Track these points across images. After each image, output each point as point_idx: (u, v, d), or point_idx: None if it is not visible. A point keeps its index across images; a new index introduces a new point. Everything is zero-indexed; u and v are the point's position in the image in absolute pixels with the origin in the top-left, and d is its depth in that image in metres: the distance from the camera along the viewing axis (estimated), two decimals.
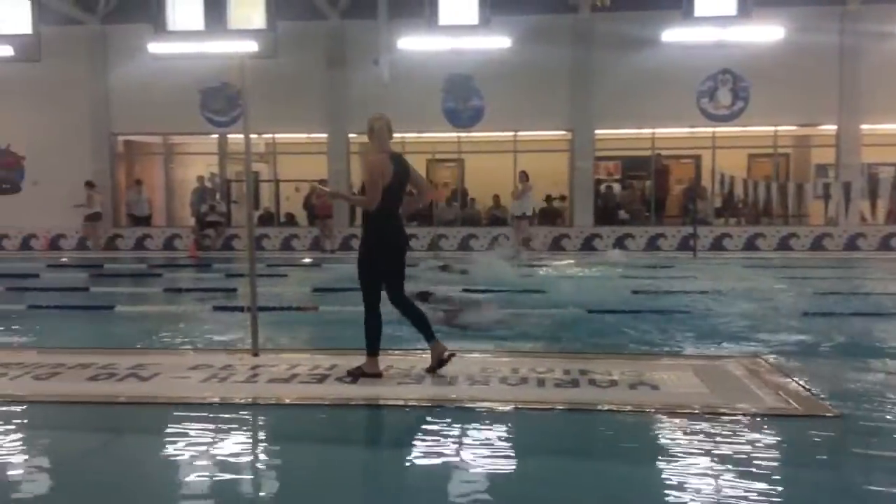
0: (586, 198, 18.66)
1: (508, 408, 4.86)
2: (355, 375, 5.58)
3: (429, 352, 5.69)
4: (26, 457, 4.18)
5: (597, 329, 7.83)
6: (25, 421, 4.76)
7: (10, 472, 3.92)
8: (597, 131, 18.49)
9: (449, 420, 4.64)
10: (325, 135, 18.94)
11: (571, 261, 15.54)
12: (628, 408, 4.87)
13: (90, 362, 6.08)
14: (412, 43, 17.94)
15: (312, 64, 18.51)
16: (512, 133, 18.77)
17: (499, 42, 17.89)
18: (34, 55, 19.06)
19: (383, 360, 5.89)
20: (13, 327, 8.12)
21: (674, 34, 17.58)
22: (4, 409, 4.91)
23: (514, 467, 3.99)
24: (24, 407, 4.99)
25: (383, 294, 5.67)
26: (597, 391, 5.26)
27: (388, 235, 5.58)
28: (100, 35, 18.97)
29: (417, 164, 19.14)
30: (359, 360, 5.68)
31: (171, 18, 19.14)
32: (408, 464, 4.00)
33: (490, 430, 4.49)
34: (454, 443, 4.29)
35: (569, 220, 19.11)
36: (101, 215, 18.63)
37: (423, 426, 4.58)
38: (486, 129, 18.65)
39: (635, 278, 12.27)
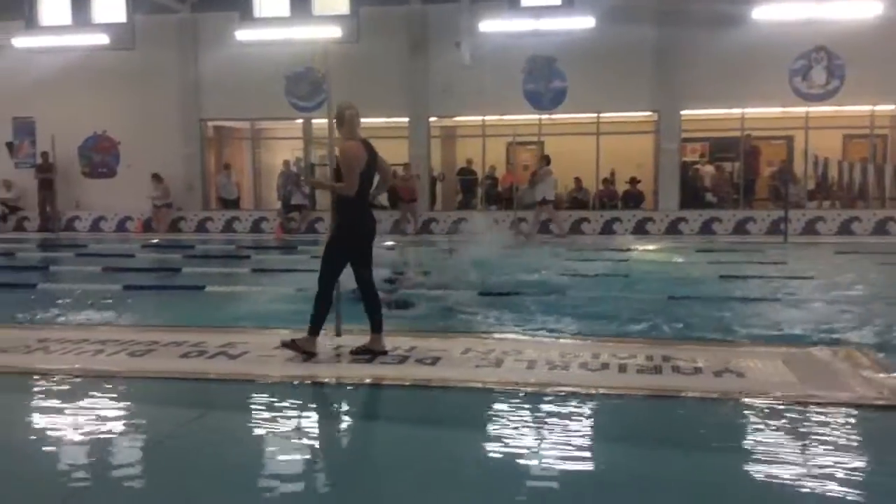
0: (671, 181, 18.23)
1: (589, 393, 4.81)
2: (289, 347, 5.67)
3: (515, 340, 5.66)
4: (122, 430, 4.38)
5: (680, 315, 7.66)
6: (121, 395, 4.98)
7: (106, 445, 4.11)
8: (683, 112, 18.02)
9: (527, 405, 4.63)
10: (405, 119, 19.06)
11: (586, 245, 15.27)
12: (714, 395, 4.76)
13: (182, 340, 6.31)
14: (494, 25, 17.81)
15: (394, 48, 18.61)
16: (595, 115, 18.47)
17: (582, 22, 17.58)
18: (128, 43, 19.77)
19: (462, 343, 5.91)
20: (110, 306, 8.49)
21: (764, 11, 16.91)
22: (102, 384, 5.15)
23: (594, 455, 3.95)
24: (120, 382, 5.21)
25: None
26: (680, 378, 5.15)
27: (361, 220, 5.70)
28: (190, 23, 19.52)
29: (497, 148, 19.32)
30: (435, 341, 5.72)
31: (258, 5, 19.53)
32: (483, 448, 4.00)
33: (570, 416, 4.46)
34: (532, 428, 4.27)
35: (653, 203, 18.72)
36: (171, 204, 19.41)
37: (501, 410, 4.58)
38: (568, 110, 18.40)
39: (723, 263, 11.94)
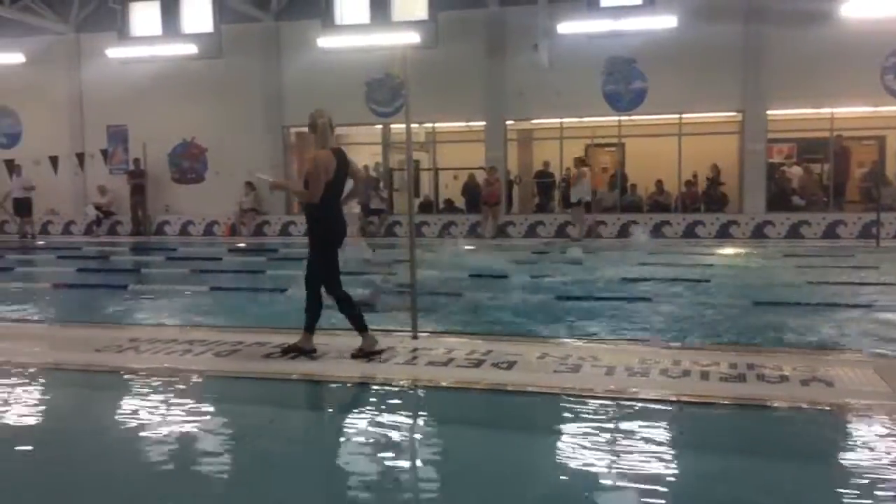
0: (758, 183, 17.71)
1: (669, 401, 4.72)
2: (289, 351, 5.93)
3: (592, 346, 5.60)
4: (206, 428, 4.52)
5: (766, 322, 7.43)
6: (206, 394, 5.14)
7: (190, 443, 4.25)
8: (769, 112, 17.47)
9: (605, 411, 4.58)
10: (482, 123, 19.08)
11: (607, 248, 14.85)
12: (801, 405, 4.60)
13: (266, 341, 6.47)
14: (572, 26, 17.66)
15: (471, 52, 18.66)
16: (677, 115, 18.09)
17: (664, 21, 17.24)
18: (215, 52, 20.42)
19: (539, 347, 5.89)
20: (198, 307, 8.78)
21: (854, 7, 16.23)
22: (189, 383, 5.33)
23: (674, 465, 3.87)
24: (206, 381, 5.39)
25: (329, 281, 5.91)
26: (766, 386, 5.00)
27: (333, 224, 5.90)
28: (273, 31, 20.03)
29: (575, 150, 19.13)
30: (512, 346, 5.71)
31: (339, 13, 19.89)
32: (559, 455, 3.97)
33: (648, 424, 4.38)
34: (609, 435, 4.22)
35: (738, 205, 18.22)
36: (257, 210, 19.96)
37: (578, 416, 4.53)
38: (649, 111, 18.08)
39: (811, 268, 11.54)
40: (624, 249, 15.41)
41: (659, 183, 18.80)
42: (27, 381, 5.52)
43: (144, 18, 21.09)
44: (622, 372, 5.37)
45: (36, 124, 21.54)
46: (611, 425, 4.35)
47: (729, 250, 14.93)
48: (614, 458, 3.87)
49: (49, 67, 21.12)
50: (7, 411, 4.81)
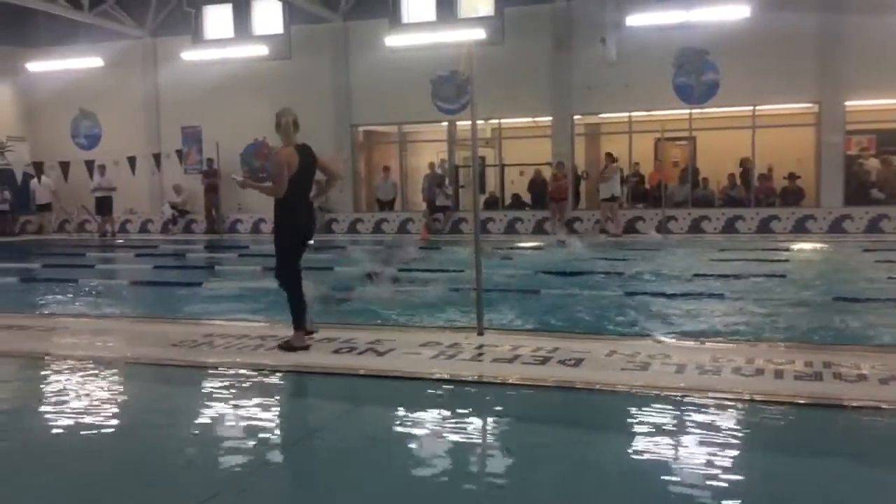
0: (835, 176, 17.11)
1: (742, 399, 4.61)
2: (285, 349, 6.06)
3: (662, 343, 5.51)
4: (278, 422, 4.62)
5: (842, 318, 7.19)
6: (277, 389, 5.25)
7: (263, 436, 4.34)
8: (847, 103, 16.85)
9: (674, 410, 4.49)
10: (549, 118, 18.94)
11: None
12: (879, 405, 4.43)
13: (334, 336, 6.56)
14: (641, 19, 17.37)
15: (538, 47, 18.54)
16: (750, 108, 17.62)
17: (737, 11, 16.79)
18: (285, 53, 20.79)
19: (607, 345, 5.82)
20: (270, 303, 8.96)
21: None
22: (261, 377, 5.45)
23: (746, 465, 3.77)
24: (277, 376, 5.49)
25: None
26: (843, 386, 4.83)
27: (297, 219, 6.09)
28: (342, 31, 20.28)
29: (645, 144, 18.84)
30: (579, 343, 5.65)
31: (406, 11, 20.02)
32: (627, 453, 3.91)
33: (720, 423, 4.28)
34: (679, 435, 4.14)
35: (814, 199, 17.64)
36: (324, 208, 20.27)
37: (647, 415, 4.46)
38: (721, 104, 17.65)
39: (891, 263, 11.10)
40: (695, 245, 15.10)
41: (731, 177, 18.35)
42: (107, 374, 5.73)
43: (217, 21, 21.64)
44: (693, 370, 5.27)
45: (114, 126, 22.33)
46: (680, 424, 4.27)
47: (805, 245, 14.48)
48: (682, 457, 3.80)
49: (126, 70, 21.85)
50: (87, 404, 4.99)
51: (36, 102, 22.89)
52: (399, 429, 4.36)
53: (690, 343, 6.20)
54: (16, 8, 19.04)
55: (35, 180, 21.46)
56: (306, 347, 6.13)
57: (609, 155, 17.88)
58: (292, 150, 6.12)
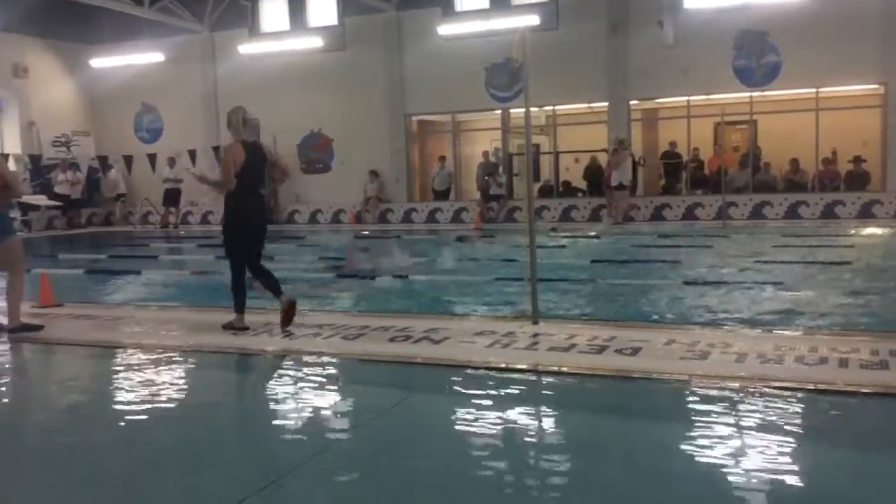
0: None
1: (805, 389, 4.50)
2: (227, 328, 6.53)
3: (722, 332, 5.41)
4: (334, 410, 4.68)
5: None
6: (334, 376, 5.32)
7: (319, 423, 4.41)
8: None
9: (734, 399, 4.41)
10: (605, 104, 18.71)
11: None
12: None
13: (390, 325, 6.61)
14: (700, 1, 17.01)
15: (593, 32, 18.30)
16: (813, 90, 17.12)
17: None
18: (339, 45, 20.95)
19: (666, 334, 5.76)
20: (327, 293, 9.09)
21: None
22: (318, 364, 5.53)
23: (809, 456, 3.69)
24: (334, 363, 5.57)
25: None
26: None
27: (244, 211, 6.45)
28: (394, 21, 20.33)
29: (704, 128, 18.49)
30: (637, 332, 5.59)
31: (459, 0, 19.97)
32: (687, 444, 3.85)
33: (782, 413, 4.18)
34: (739, 425, 4.06)
35: (881, 184, 17.07)
36: (380, 198, 20.50)
37: (707, 404, 4.39)
38: (783, 86, 17.19)
39: None
40: (755, 232, 14.78)
41: (794, 162, 17.87)
42: (171, 362, 5.89)
43: (273, 14, 21.90)
44: (754, 359, 5.16)
45: (175, 120, 22.84)
46: (741, 414, 4.19)
47: (871, 231, 14.04)
48: (743, 447, 3.73)
49: (186, 65, 22.30)
50: (153, 390, 5.14)
51: (100, 97, 23.53)
52: (455, 417, 4.38)
53: (751, 331, 6.08)
54: (80, 6, 19.58)
55: (112, 171, 22.27)
56: (245, 328, 6.55)
57: (621, 142, 17.63)
58: (239, 146, 6.45)
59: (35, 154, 21.69)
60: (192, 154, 19.60)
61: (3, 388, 5.65)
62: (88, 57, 23.02)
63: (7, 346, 6.58)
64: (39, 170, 21.49)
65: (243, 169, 6.39)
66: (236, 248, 6.58)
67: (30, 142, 21.85)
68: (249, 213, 6.55)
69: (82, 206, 22.42)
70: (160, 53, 22.26)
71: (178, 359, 5.96)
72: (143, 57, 22.35)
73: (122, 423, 4.52)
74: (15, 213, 18.94)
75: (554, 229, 16.06)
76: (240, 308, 6.64)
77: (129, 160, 22.21)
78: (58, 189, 21.24)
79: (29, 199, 19.45)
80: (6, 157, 18.78)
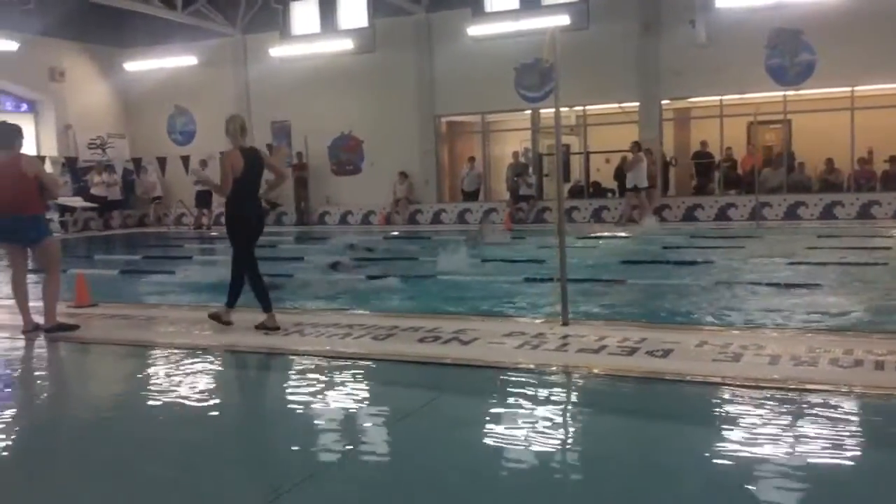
0: None
1: (840, 392, 4.43)
2: (212, 318, 6.89)
3: (755, 333, 5.35)
4: (364, 409, 4.70)
5: None
6: (364, 376, 5.35)
7: (349, 423, 4.44)
8: None
9: (768, 402, 4.36)
10: (636, 103, 18.58)
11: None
12: None
13: (419, 326, 6.63)
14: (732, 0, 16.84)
15: (624, 31, 18.19)
16: (848, 89, 16.85)
17: None
18: (370, 47, 21.04)
19: (697, 335, 5.72)
20: (359, 293, 9.14)
21: None
22: (348, 365, 5.56)
23: (844, 460, 3.63)
24: (364, 364, 5.60)
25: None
26: None
27: (242, 214, 6.70)
28: (424, 23, 20.37)
29: (737, 127, 18.28)
30: (668, 333, 5.55)
31: (489, 0, 19.95)
32: (719, 447, 3.82)
33: (816, 416, 4.12)
34: (774, 427, 4.01)
35: None
36: (410, 199, 20.58)
37: (740, 407, 4.34)
38: (818, 85, 16.94)
39: None
40: (792, 232, 14.58)
41: (829, 161, 17.60)
42: (204, 361, 5.96)
43: (304, 17, 22.07)
44: (787, 361, 5.10)
45: (208, 122, 23.06)
46: (774, 417, 4.14)
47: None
48: (776, 451, 3.69)
49: (218, 68, 22.55)
50: (187, 390, 5.21)
51: (134, 100, 23.89)
52: (484, 417, 4.38)
53: (785, 333, 6.00)
54: (114, 10, 19.91)
55: (149, 173, 22.62)
56: (229, 322, 6.84)
57: (635, 143, 17.49)
58: (237, 153, 6.68)
59: (71, 156, 22.07)
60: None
61: (39, 387, 5.76)
62: (123, 60, 23.38)
63: (44, 346, 6.71)
64: (76, 172, 21.87)
65: (241, 174, 6.64)
66: (240, 245, 6.81)
67: (66, 144, 22.25)
68: (248, 214, 6.79)
69: (118, 208, 22.77)
70: (193, 57, 22.55)
71: (210, 358, 6.03)
72: (176, 60, 22.66)
73: (154, 422, 4.59)
74: (52, 215, 19.33)
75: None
76: (231, 303, 6.90)
77: (162, 162, 22.54)
78: (94, 191, 21.58)
79: (65, 200, 19.77)
80: (43, 159, 19.11)
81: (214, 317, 6.93)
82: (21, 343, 6.78)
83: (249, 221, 6.80)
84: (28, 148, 6.79)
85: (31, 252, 7.14)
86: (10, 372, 6.05)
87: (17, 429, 4.63)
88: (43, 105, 22.49)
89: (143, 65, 23.12)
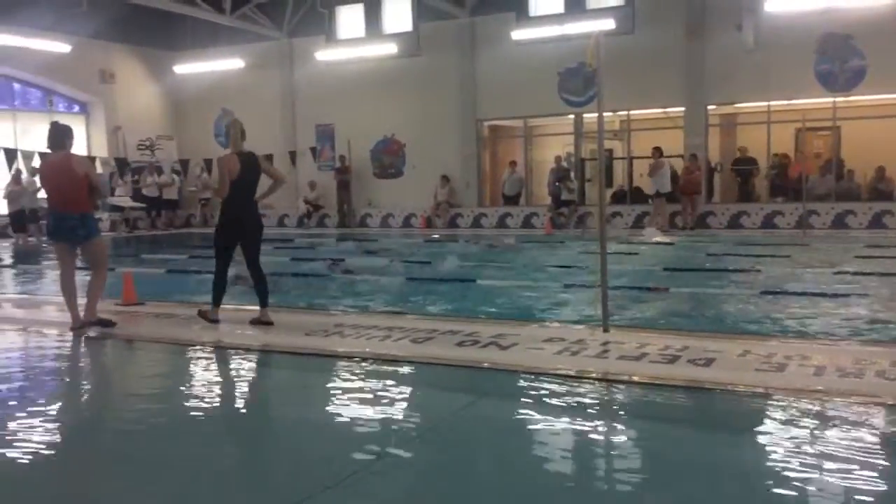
0: None
1: (887, 405, 4.33)
2: (200, 316, 7.23)
3: (800, 343, 5.26)
4: (401, 411, 4.72)
5: None
6: (402, 379, 5.37)
7: (386, 425, 4.45)
8: None
9: (813, 414, 4.28)
10: (681, 108, 18.37)
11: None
12: None
13: (458, 329, 6.63)
14: (781, 3, 16.56)
15: (669, 36, 18.01)
16: None
17: None
18: (414, 50, 21.15)
19: (741, 345, 5.63)
20: (397, 296, 9.18)
21: None
22: (387, 367, 5.59)
23: (889, 474, 3.55)
24: (403, 366, 5.62)
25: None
26: None
27: (236, 217, 6.95)
28: (468, 27, 20.41)
29: (784, 134, 17.99)
30: (710, 342, 5.48)
31: (534, 4, 19.91)
32: (762, 459, 3.75)
33: (862, 429, 4.03)
34: (818, 440, 3.93)
35: None
36: (451, 203, 20.64)
37: (783, 418, 4.26)
38: (868, 91, 16.60)
39: None
40: (839, 241, 14.28)
41: (880, 169, 17.20)
42: (244, 361, 6.04)
43: (349, 21, 22.28)
44: (833, 372, 4.99)
45: (253, 124, 23.05)
46: (818, 429, 4.06)
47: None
48: (821, 465, 3.61)
49: (265, 71, 22.87)
50: (224, 386, 5.29)
51: (182, 102, 24.33)
52: (520, 423, 4.37)
53: (830, 344, 5.88)
54: (164, 13, 20.33)
55: (203, 175, 23.00)
56: (216, 321, 7.15)
57: (657, 149, 17.30)
58: (234, 157, 6.90)
59: (121, 157, 22.55)
60: (270, 158, 20.02)
61: (84, 382, 5.90)
62: (172, 63, 23.83)
63: (90, 342, 6.86)
64: (125, 173, 22.34)
65: (237, 178, 6.85)
66: (222, 247, 7.10)
67: (115, 145, 22.74)
68: (243, 217, 7.01)
69: (172, 208, 23.19)
70: (240, 60, 22.90)
71: (249, 357, 6.11)
72: (223, 63, 23.04)
73: (191, 418, 4.66)
74: (102, 215, 19.78)
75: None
76: (216, 302, 7.20)
77: (209, 164, 22.87)
78: (145, 191, 22.03)
79: (114, 200, 20.21)
80: (93, 160, 19.55)
81: (202, 315, 7.25)
82: (68, 339, 6.94)
83: (243, 224, 7.02)
84: (79, 149, 6.98)
85: (80, 250, 7.30)
86: (57, 366, 6.21)
87: (61, 423, 4.74)
88: (94, 106, 23.04)
89: (191, 67, 23.53)
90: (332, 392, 5.17)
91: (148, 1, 19.20)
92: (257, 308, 7.19)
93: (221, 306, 7.28)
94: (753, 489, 3.40)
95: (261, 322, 7.05)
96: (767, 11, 16.64)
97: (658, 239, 15.43)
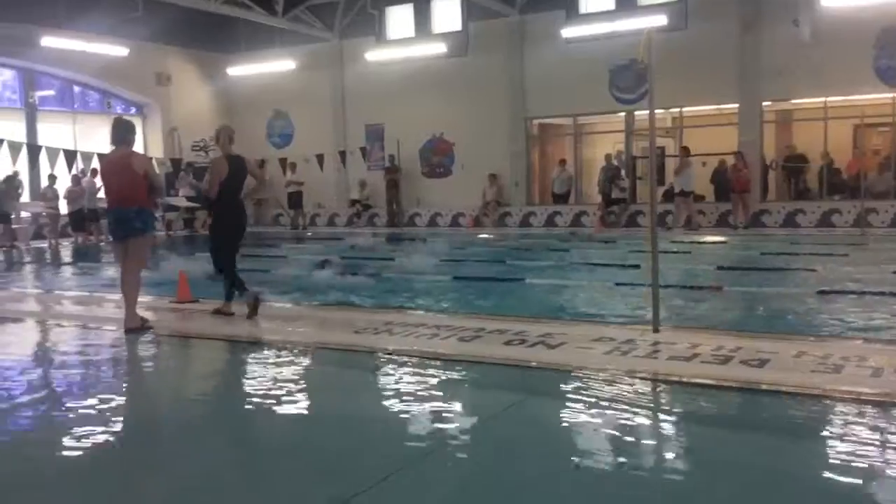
0: None
1: None
2: (216, 313, 7.60)
3: (857, 345, 5.12)
4: (449, 409, 4.73)
5: None
6: (450, 377, 5.38)
7: (433, 423, 4.47)
8: None
9: (871, 416, 4.17)
10: (735, 105, 18.03)
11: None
12: None
13: (506, 328, 6.62)
14: None
15: (723, 31, 17.69)
16: None
17: None
18: (462, 50, 21.16)
19: (795, 345, 5.52)
20: (444, 295, 9.21)
21: None
22: (434, 365, 5.61)
23: None
24: (450, 364, 5.63)
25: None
26: None
27: (226, 217, 7.51)
28: (517, 25, 20.34)
29: (842, 130, 17.57)
30: (764, 342, 5.38)
31: (584, 2, 19.74)
32: (818, 463, 3.67)
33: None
34: (879, 444, 3.83)
35: None
36: (499, 202, 20.59)
37: (840, 421, 4.16)
38: None
39: None
40: None
41: None
42: (297, 358, 6.13)
43: (399, 21, 22.38)
44: (892, 374, 4.85)
45: (305, 125, 23.71)
46: (878, 433, 3.95)
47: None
48: (880, 469, 3.52)
49: (316, 72, 23.12)
50: (275, 384, 5.37)
51: (235, 104, 24.74)
52: (568, 423, 4.34)
53: (890, 345, 5.72)
54: (218, 17, 20.69)
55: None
56: (231, 314, 7.55)
57: (684, 148, 17.00)
58: (224, 161, 7.39)
59: (176, 158, 23.02)
60: (320, 159, 20.28)
61: (141, 378, 6.05)
62: (225, 65, 24.25)
63: (146, 339, 7.02)
64: (188, 172, 22.74)
65: (226, 180, 7.36)
66: (221, 243, 7.58)
67: (171, 146, 23.23)
68: (232, 218, 7.54)
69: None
70: (291, 61, 23.19)
71: (301, 355, 6.19)
72: (275, 65, 23.35)
73: (243, 415, 4.75)
74: (158, 213, 20.19)
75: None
76: (229, 297, 7.63)
77: (261, 165, 23.20)
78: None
79: (170, 200, 20.64)
80: (150, 159, 19.98)
81: (218, 312, 7.64)
82: (123, 337, 7.11)
83: (232, 222, 7.54)
84: (136, 149, 7.21)
85: (129, 245, 7.20)
86: (115, 362, 6.38)
87: (117, 419, 4.87)
88: (150, 108, 23.57)
89: (244, 69, 23.92)
90: (382, 389, 5.21)
91: (202, 5, 19.57)
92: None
93: (268, 303, 7.50)
94: (806, 495, 3.33)
95: (222, 312, 7.60)
96: (825, 5, 16.23)
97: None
